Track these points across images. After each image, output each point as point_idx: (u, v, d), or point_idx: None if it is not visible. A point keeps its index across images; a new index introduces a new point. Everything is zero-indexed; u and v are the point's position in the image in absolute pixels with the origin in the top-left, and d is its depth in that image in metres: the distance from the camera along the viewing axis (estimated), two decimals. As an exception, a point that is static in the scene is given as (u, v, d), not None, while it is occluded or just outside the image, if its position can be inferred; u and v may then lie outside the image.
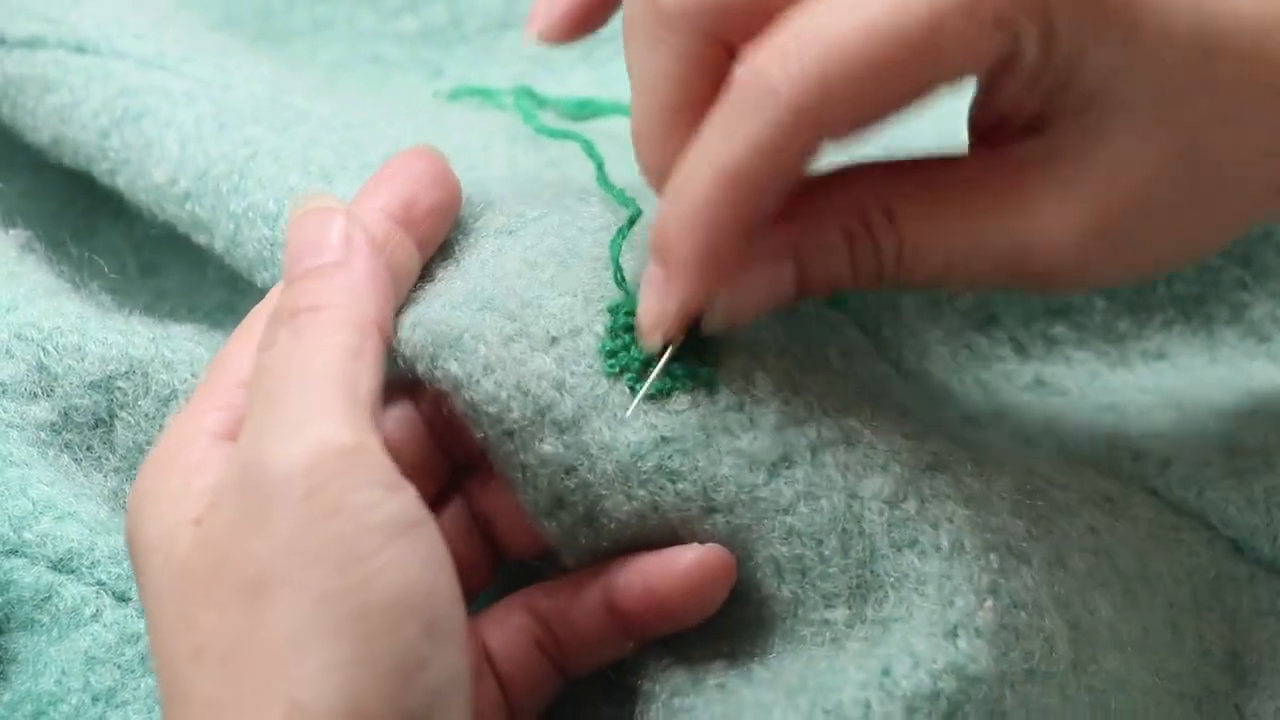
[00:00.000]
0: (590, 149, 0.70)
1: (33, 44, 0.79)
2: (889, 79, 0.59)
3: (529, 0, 0.89)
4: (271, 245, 0.72)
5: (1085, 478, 0.69)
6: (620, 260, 0.66)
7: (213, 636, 0.56)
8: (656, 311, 0.63)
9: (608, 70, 0.89)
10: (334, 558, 0.56)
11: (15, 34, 0.79)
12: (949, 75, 0.60)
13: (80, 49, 0.78)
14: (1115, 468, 0.71)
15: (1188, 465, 0.71)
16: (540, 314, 0.64)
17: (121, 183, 0.77)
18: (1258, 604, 0.70)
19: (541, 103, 0.79)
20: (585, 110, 0.79)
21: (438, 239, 0.67)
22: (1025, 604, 0.62)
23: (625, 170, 0.70)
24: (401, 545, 0.56)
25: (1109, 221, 0.62)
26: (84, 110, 0.77)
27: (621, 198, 0.68)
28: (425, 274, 0.67)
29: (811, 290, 0.64)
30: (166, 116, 0.76)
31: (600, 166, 0.70)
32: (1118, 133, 0.61)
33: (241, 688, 0.55)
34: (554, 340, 0.64)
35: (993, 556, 0.63)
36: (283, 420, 0.58)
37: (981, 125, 0.64)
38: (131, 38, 0.79)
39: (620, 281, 0.65)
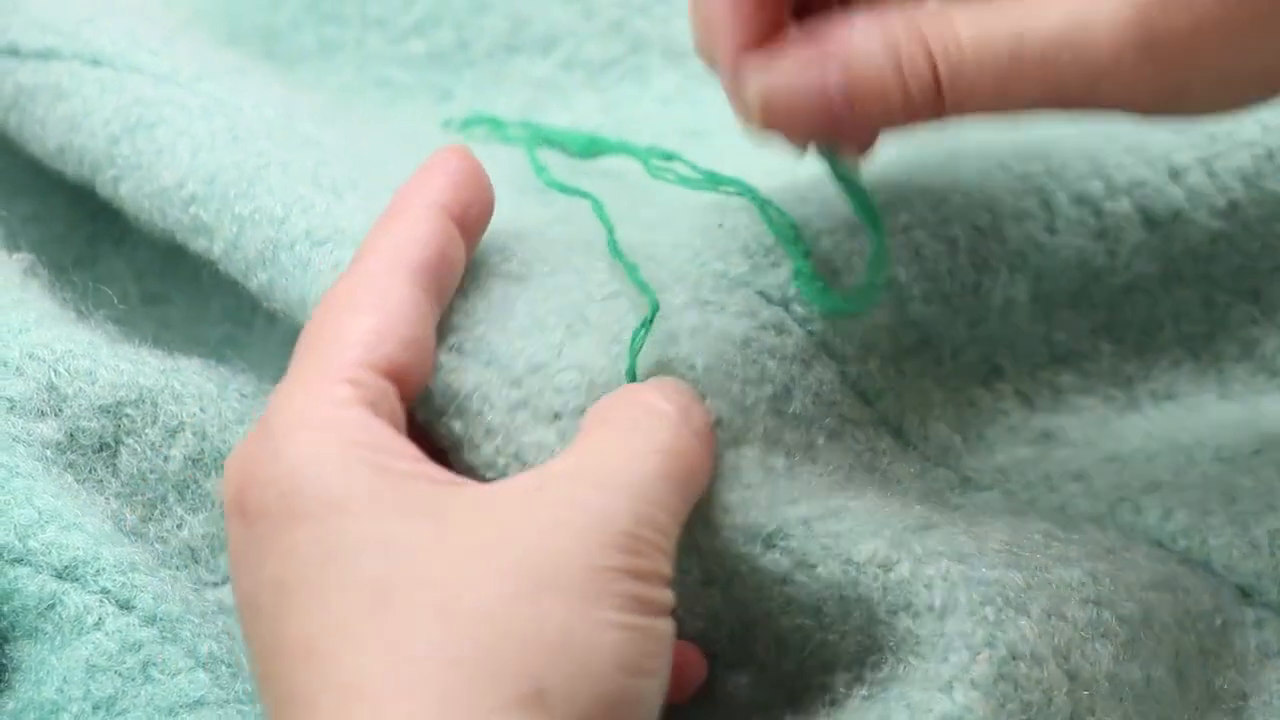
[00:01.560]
0: (601, 212, 0.70)
1: (47, 56, 0.79)
2: None
3: (536, 25, 0.91)
4: (274, 246, 0.71)
5: (1085, 532, 0.69)
6: (636, 357, 0.66)
7: None
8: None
9: (615, 94, 0.89)
10: None
11: (30, 46, 0.79)
12: None
13: (95, 62, 0.78)
14: (1117, 522, 0.71)
15: (1190, 515, 0.71)
16: (547, 386, 0.65)
17: (125, 190, 0.76)
18: (1267, 646, 0.70)
19: (549, 139, 0.79)
20: (593, 148, 0.79)
21: (476, 246, 0.68)
22: (1023, 655, 0.62)
23: (634, 229, 0.70)
24: None
25: None
26: (95, 118, 0.77)
27: (635, 277, 0.68)
28: None
29: (863, 105, 0.62)
30: (181, 126, 0.76)
31: (611, 233, 0.69)
32: None
33: None
34: (557, 416, 0.64)
35: (989, 610, 0.63)
36: None
37: None
38: (147, 54, 0.79)
39: (632, 378, 0.65)
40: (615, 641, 0.56)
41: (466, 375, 0.65)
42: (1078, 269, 0.77)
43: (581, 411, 0.64)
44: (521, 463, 0.63)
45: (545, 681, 0.55)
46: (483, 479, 0.64)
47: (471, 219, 0.66)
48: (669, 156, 0.77)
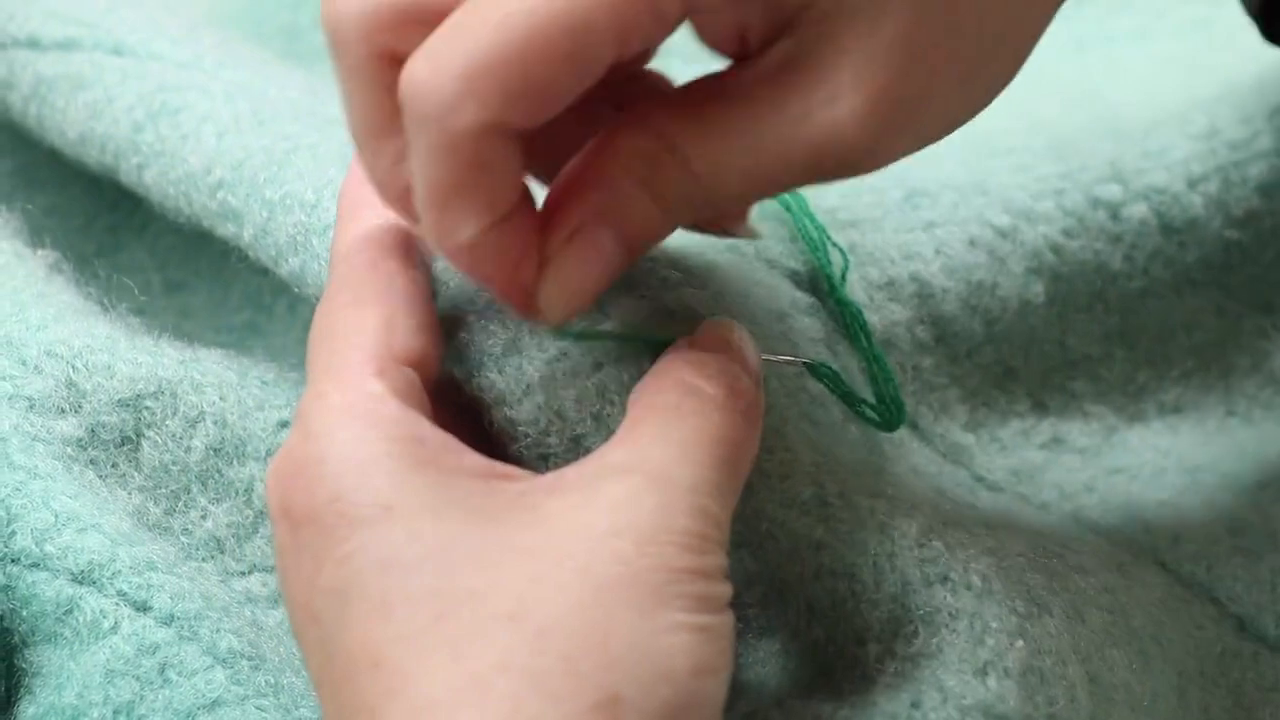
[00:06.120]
0: None
1: (68, 46, 0.79)
2: (553, 58, 0.54)
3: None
4: (306, 231, 0.70)
5: (1098, 545, 0.69)
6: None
7: None
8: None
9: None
10: None
11: (51, 36, 0.79)
12: (617, 31, 0.55)
13: (117, 51, 0.78)
14: (1127, 537, 0.71)
15: (1197, 541, 0.71)
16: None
17: (149, 177, 0.76)
18: (1262, 680, 0.70)
19: None
20: None
21: None
22: (1050, 651, 0.62)
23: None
24: None
25: (886, 72, 0.56)
26: (118, 105, 0.77)
27: None
28: None
29: (640, 245, 0.60)
30: (205, 111, 0.75)
31: None
32: (858, 10, 0.56)
33: None
34: (598, 365, 0.63)
35: (1018, 601, 0.62)
36: None
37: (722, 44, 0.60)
38: (168, 42, 0.78)
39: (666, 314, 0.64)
40: (687, 644, 0.55)
41: (502, 329, 0.63)
42: (1095, 272, 0.77)
43: (621, 359, 0.62)
44: (563, 419, 0.62)
45: (619, 689, 0.54)
46: (525, 436, 0.62)
47: None
48: None
